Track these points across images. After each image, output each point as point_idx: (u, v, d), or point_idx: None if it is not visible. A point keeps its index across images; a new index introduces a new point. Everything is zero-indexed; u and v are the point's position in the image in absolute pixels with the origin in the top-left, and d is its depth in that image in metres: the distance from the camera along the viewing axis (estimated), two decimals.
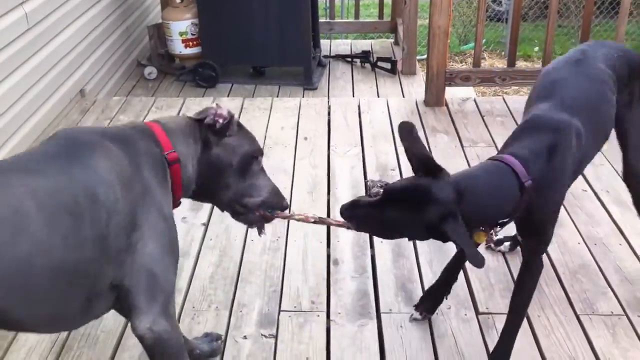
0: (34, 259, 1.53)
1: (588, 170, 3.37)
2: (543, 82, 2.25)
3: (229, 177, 1.97)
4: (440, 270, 2.70)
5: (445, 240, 1.86)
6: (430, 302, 2.47)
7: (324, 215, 3.08)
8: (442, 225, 1.79)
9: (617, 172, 3.40)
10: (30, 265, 1.52)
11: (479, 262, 1.79)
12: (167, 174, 1.85)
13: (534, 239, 2.10)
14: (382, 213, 1.88)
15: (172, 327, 1.79)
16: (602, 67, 2.23)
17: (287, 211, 2.13)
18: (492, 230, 2.01)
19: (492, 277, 2.68)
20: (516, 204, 1.92)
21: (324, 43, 5.69)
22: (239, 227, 2.94)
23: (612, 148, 3.55)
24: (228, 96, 4.73)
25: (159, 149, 1.84)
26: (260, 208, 2.03)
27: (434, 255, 2.81)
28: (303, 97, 4.62)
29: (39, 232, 1.54)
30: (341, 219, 2.01)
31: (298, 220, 2.19)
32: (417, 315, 2.47)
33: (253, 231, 2.90)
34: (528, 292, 2.16)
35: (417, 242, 2.88)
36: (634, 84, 2.33)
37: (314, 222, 2.21)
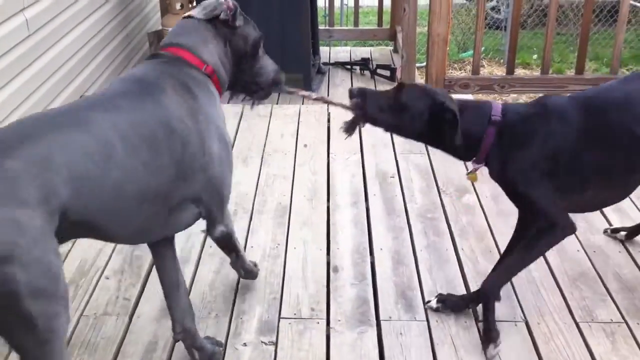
0: (124, 185, 1.78)
1: None
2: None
3: (245, 63, 2.26)
4: (439, 277, 2.71)
5: (441, 131, 2.20)
6: (453, 301, 2.52)
7: (324, 220, 3.09)
8: (447, 109, 2.16)
9: None
10: (122, 190, 1.78)
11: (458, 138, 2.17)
12: (212, 88, 2.13)
13: (522, 205, 2.36)
14: (392, 97, 2.21)
15: (231, 225, 2.33)
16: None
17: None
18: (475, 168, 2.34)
19: None
20: (482, 130, 2.22)
21: (324, 50, 5.71)
22: (239, 234, 2.96)
23: None
24: (228, 102, 4.72)
25: (197, 70, 2.08)
26: (271, 85, 2.37)
27: (434, 262, 2.81)
28: (302, 104, 4.63)
29: (126, 161, 1.79)
30: (346, 102, 2.28)
31: (301, 95, 2.54)
32: (433, 302, 2.53)
33: (252, 238, 2.94)
34: (524, 256, 2.36)
35: (417, 250, 2.88)
36: None
37: (315, 100, 2.55)
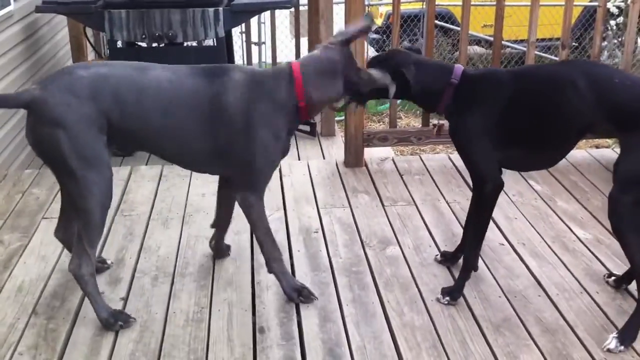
0: (160, 118, 2.60)
1: (504, 225, 3.50)
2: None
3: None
4: (367, 331, 2.70)
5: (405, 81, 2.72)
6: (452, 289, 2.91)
7: (249, 280, 3.03)
8: (402, 73, 2.71)
9: (531, 224, 3.53)
10: (157, 118, 2.60)
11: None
12: (289, 117, 2.70)
13: (465, 162, 2.81)
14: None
15: (259, 204, 2.79)
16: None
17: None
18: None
19: (419, 335, 2.69)
20: (442, 88, 2.73)
21: None
22: (160, 300, 2.87)
23: (525, 203, 3.71)
24: (146, 164, 4.66)
25: (288, 95, 2.66)
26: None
27: (360, 317, 2.80)
28: None
29: (159, 103, 2.59)
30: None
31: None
32: (438, 257, 3.17)
33: (175, 303, 2.85)
34: (478, 220, 2.84)
35: (343, 305, 2.87)
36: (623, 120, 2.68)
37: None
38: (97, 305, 2.66)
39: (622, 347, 2.55)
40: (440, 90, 2.73)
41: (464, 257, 2.92)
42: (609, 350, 2.56)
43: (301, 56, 5.78)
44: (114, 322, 2.67)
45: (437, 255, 3.21)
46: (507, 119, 2.66)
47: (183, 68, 2.66)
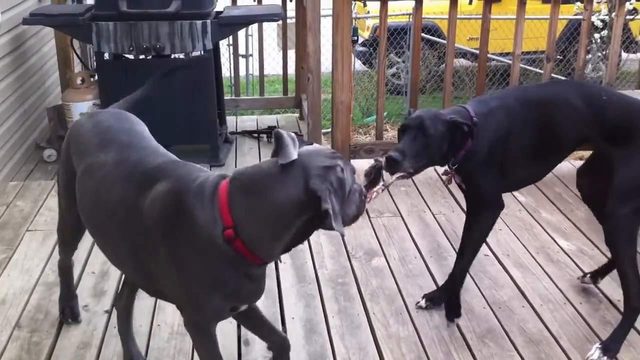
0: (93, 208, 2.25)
1: (488, 236, 3.51)
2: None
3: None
4: (352, 343, 2.70)
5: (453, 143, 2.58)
6: (439, 294, 2.91)
7: None
8: (460, 124, 2.55)
9: (515, 236, 3.55)
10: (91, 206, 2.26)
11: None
12: (217, 248, 1.88)
13: (473, 193, 2.77)
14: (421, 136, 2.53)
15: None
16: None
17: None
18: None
19: (404, 347, 2.69)
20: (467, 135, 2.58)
21: (230, 119, 5.73)
22: (145, 313, 2.86)
23: (509, 214, 3.73)
24: None
25: (214, 221, 1.87)
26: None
27: (346, 329, 2.80)
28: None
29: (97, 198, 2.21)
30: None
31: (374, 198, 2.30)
32: (422, 303, 2.92)
33: (160, 315, 2.84)
34: (475, 239, 2.81)
35: (329, 317, 2.87)
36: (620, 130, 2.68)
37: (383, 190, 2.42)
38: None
39: (605, 358, 2.56)
40: (464, 137, 2.59)
41: (452, 272, 2.89)
42: None
43: (289, 70, 5.80)
44: None
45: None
46: (516, 147, 2.66)
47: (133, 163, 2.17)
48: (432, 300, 2.91)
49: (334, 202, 1.79)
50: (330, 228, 1.76)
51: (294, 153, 1.81)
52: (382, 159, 2.41)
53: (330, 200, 1.77)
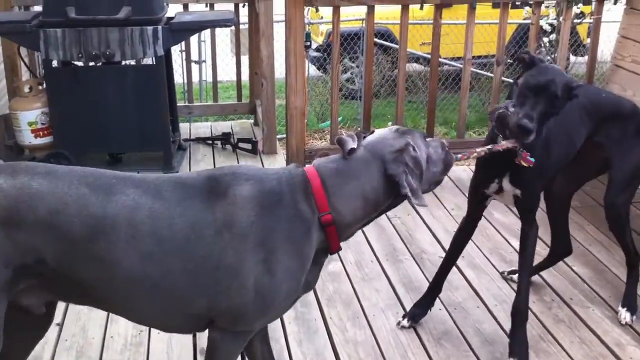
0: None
1: (443, 238, 3.55)
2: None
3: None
4: (310, 349, 2.69)
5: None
6: (414, 311, 2.82)
7: None
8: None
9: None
10: (106, 267, 1.78)
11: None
12: (312, 234, 1.88)
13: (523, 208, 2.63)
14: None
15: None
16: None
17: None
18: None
19: (361, 351, 2.69)
20: None
21: (184, 126, 5.67)
22: (97, 324, 2.80)
23: (463, 216, 3.77)
24: None
25: (308, 206, 1.87)
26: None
27: (303, 334, 2.79)
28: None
29: (119, 244, 1.76)
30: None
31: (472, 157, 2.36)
32: (404, 322, 2.81)
33: (112, 327, 2.78)
34: (528, 251, 2.65)
35: (286, 323, 2.85)
36: (615, 123, 2.79)
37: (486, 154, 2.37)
38: None
39: (634, 317, 2.86)
40: None
41: (517, 306, 2.63)
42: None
43: (242, 75, 5.77)
44: None
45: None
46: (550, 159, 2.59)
47: (167, 185, 1.86)
48: (414, 317, 2.82)
49: (412, 183, 1.91)
50: (413, 205, 2.06)
51: (353, 144, 1.93)
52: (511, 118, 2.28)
53: (407, 183, 1.89)
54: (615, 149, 2.77)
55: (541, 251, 3.15)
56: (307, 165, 1.97)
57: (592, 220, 3.68)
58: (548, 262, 3.16)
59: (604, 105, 2.79)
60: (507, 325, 2.82)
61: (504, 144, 2.36)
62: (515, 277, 3.14)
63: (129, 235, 1.76)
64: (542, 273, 3.19)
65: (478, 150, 2.36)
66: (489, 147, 2.37)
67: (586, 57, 8.45)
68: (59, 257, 1.75)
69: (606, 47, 6.21)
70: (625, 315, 2.86)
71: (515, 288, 2.86)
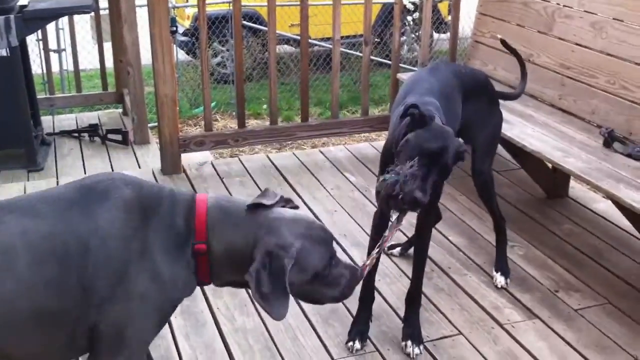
0: (17, 299, 1.64)
1: (325, 218, 3.59)
2: (406, 86, 2.81)
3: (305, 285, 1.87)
4: (198, 342, 2.63)
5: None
6: (358, 329, 2.64)
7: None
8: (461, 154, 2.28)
9: (351, 216, 3.64)
10: (13, 305, 1.63)
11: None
12: (186, 254, 1.79)
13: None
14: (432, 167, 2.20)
15: None
16: (450, 75, 2.84)
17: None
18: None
19: (251, 338, 2.67)
20: None
21: (46, 119, 5.35)
22: None
23: (343, 196, 3.82)
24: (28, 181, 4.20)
25: (186, 226, 1.78)
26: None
27: (190, 328, 2.72)
28: (28, 180, 4.27)
29: (24, 274, 1.64)
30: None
31: (370, 265, 2.26)
32: (357, 345, 2.60)
33: None
34: (424, 239, 2.66)
35: (172, 318, 2.76)
36: (477, 96, 2.91)
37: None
38: None
39: (508, 280, 3.02)
40: None
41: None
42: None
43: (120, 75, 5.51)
44: None
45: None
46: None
47: (44, 205, 1.74)
48: (361, 336, 2.63)
49: (264, 282, 1.73)
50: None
51: (267, 200, 1.85)
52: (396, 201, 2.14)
53: (257, 279, 1.72)
54: (475, 120, 2.89)
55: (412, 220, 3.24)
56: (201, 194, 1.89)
57: (463, 191, 3.84)
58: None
59: (466, 81, 2.91)
60: (391, 300, 2.90)
61: (395, 227, 2.28)
62: (394, 251, 3.24)
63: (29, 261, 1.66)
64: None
65: (374, 255, 2.30)
66: (379, 246, 2.30)
67: (448, 34, 8.83)
68: None
69: (467, 24, 6.48)
70: (500, 279, 3.02)
71: (429, 271, 2.99)
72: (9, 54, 4.22)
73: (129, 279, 1.71)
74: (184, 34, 8.42)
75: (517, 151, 3.58)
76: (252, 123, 6.73)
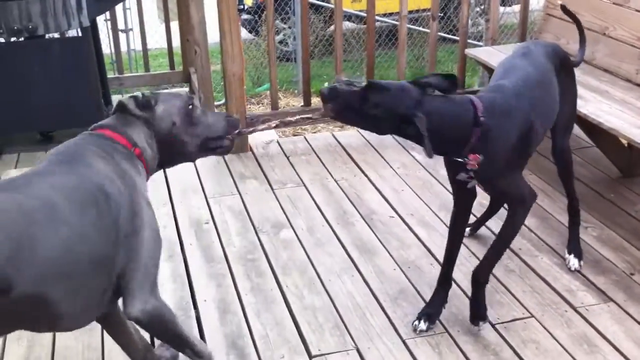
0: (76, 245, 1.75)
1: (392, 197, 3.57)
2: (497, 71, 2.66)
3: (182, 134, 2.15)
4: (268, 319, 2.67)
5: (408, 133, 2.21)
6: (427, 311, 2.62)
7: None
8: (415, 116, 2.15)
9: (417, 195, 3.61)
10: (74, 251, 1.74)
11: (430, 153, 2.15)
12: (140, 166, 2.08)
13: (499, 192, 2.64)
14: (363, 99, 2.18)
15: (161, 303, 1.97)
16: (543, 60, 2.68)
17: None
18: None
19: (320, 317, 2.69)
20: (467, 134, 2.26)
21: (116, 99, 5.47)
22: None
23: (410, 175, 3.79)
24: (16, 167, 4.35)
25: (124, 147, 2.05)
26: (224, 137, 2.25)
27: (261, 305, 2.76)
28: None
29: (73, 221, 1.76)
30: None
31: (263, 130, 2.51)
32: (421, 325, 2.59)
33: None
34: (508, 234, 2.55)
35: (242, 295, 2.82)
36: (562, 74, 2.77)
37: (277, 127, 2.52)
38: None
39: (581, 262, 2.95)
40: (464, 136, 2.27)
41: (478, 273, 2.59)
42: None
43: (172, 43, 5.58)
44: None
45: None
46: (528, 136, 2.45)
47: (51, 167, 1.94)
48: (430, 318, 2.61)
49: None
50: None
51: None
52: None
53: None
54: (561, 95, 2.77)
55: (483, 201, 3.20)
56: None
57: (533, 170, 3.75)
58: (489, 213, 3.19)
59: (556, 62, 2.75)
60: (461, 282, 2.87)
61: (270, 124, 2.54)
62: (469, 230, 3.16)
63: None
64: (489, 225, 3.24)
65: (248, 130, 2.59)
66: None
67: (514, 7, 8.56)
68: None
69: None
70: (573, 261, 2.94)
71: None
72: (80, 34, 4.33)
73: (138, 208, 1.96)
74: (247, 12, 8.45)
75: (592, 128, 3.47)
76: (314, 101, 6.72)
